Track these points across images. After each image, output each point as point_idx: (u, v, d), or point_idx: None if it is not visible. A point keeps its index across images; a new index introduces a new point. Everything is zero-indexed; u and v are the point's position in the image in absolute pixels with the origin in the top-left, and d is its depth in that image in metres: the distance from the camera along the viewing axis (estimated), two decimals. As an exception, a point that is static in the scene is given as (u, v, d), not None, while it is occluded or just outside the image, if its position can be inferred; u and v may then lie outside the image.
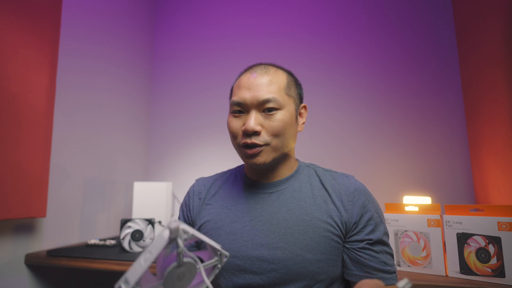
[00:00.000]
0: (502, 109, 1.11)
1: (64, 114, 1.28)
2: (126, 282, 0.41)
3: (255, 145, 0.63)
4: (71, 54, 1.32)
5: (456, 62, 1.48)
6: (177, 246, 0.41)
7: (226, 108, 1.75)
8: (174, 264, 0.42)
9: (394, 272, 0.63)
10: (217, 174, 0.80)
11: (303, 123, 0.72)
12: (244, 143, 0.64)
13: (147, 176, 1.82)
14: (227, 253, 0.47)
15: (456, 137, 1.44)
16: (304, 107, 0.73)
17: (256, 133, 0.63)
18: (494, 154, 1.17)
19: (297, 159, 0.75)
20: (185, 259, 0.42)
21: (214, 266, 0.48)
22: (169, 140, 1.82)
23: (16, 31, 1.02)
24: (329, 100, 1.61)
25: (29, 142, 1.04)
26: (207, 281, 0.45)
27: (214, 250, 0.47)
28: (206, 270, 0.48)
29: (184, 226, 0.41)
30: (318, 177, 0.71)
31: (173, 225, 0.42)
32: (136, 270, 0.42)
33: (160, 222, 1.37)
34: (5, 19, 0.98)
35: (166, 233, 0.43)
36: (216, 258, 0.47)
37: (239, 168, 0.78)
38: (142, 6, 1.82)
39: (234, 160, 1.71)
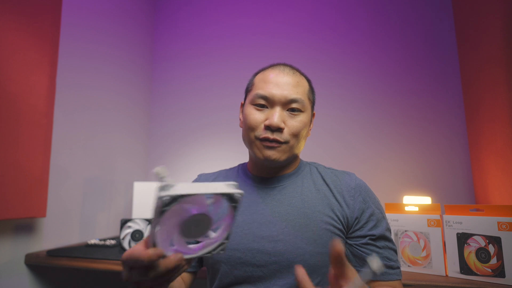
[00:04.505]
0: (502, 109, 1.11)
1: (64, 114, 1.28)
2: (172, 188, 0.40)
3: (275, 141, 0.64)
4: (71, 54, 1.32)
5: (456, 62, 1.48)
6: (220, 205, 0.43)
7: (226, 108, 1.75)
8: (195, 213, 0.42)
9: (398, 268, 0.64)
10: (219, 171, 0.81)
11: (311, 128, 0.74)
12: (265, 137, 0.64)
13: (147, 176, 1.82)
14: (240, 191, 0.45)
15: (456, 137, 1.44)
16: (313, 114, 0.74)
17: (279, 130, 0.64)
18: (494, 154, 1.17)
19: (299, 157, 0.76)
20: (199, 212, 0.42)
21: (234, 208, 0.46)
22: (169, 140, 1.82)
23: (16, 31, 1.02)
24: (329, 100, 1.61)
25: (29, 142, 1.04)
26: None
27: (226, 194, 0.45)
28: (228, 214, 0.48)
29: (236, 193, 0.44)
30: (320, 173, 0.72)
31: (238, 191, 0.44)
32: (187, 187, 0.41)
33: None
34: (5, 19, 0.98)
35: (229, 189, 0.44)
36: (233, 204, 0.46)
37: (241, 165, 0.79)
38: (142, 6, 1.82)
39: (234, 160, 1.71)
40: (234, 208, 0.46)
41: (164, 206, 0.39)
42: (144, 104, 1.81)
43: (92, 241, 1.24)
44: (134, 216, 1.45)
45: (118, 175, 1.58)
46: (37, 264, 1.09)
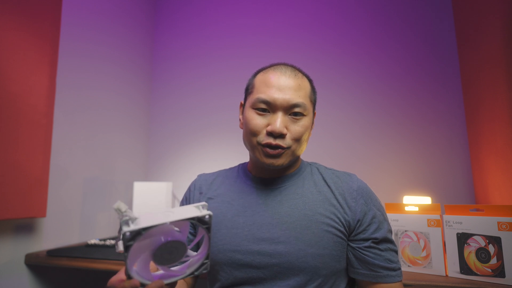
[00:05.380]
0: (502, 109, 1.11)
1: (64, 114, 1.28)
2: (135, 222, 0.41)
3: (278, 147, 0.63)
4: (71, 54, 1.32)
5: (456, 62, 1.48)
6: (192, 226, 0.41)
7: (226, 108, 1.75)
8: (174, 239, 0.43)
9: (399, 269, 0.64)
10: (219, 171, 0.80)
11: (312, 128, 0.74)
12: (268, 143, 0.63)
13: (147, 176, 1.82)
14: (208, 213, 0.47)
15: (456, 137, 1.44)
16: (314, 113, 0.74)
17: (282, 136, 0.63)
18: (494, 154, 1.17)
19: (300, 158, 0.76)
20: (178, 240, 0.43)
21: (207, 229, 0.47)
22: (169, 140, 1.82)
23: (16, 31, 1.02)
24: (329, 100, 1.61)
25: (29, 142, 1.04)
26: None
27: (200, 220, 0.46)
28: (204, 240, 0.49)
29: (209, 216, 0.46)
30: (321, 174, 0.71)
31: (207, 213, 0.45)
32: (150, 219, 0.42)
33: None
34: (5, 19, 0.98)
35: (197, 212, 0.45)
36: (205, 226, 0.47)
37: (242, 165, 0.78)
38: (142, 6, 1.82)
39: (234, 160, 1.71)
40: (207, 229, 0.47)
41: (128, 241, 0.40)
42: (144, 104, 1.81)
43: (92, 241, 1.24)
44: (134, 216, 1.45)
45: (118, 175, 1.58)
46: (37, 264, 1.09)
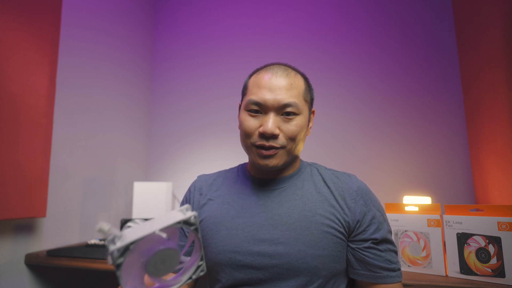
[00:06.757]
0: (502, 109, 1.11)
1: (64, 114, 1.28)
2: (121, 239, 0.40)
3: (271, 147, 0.63)
4: (71, 54, 1.32)
5: (456, 62, 1.48)
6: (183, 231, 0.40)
7: (226, 108, 1.75)
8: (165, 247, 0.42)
9: (399, 269, 0.64)
10: (219, 172, 0.80)
11: (311, 127, 0.73)
12: (261, 144, 0.64)
13: (147, 176, 1.82)
14: (193, 213, 0.46)
15: (456, 137, 1.44)
16: (313, 111, 0.73)
17: (274, 136, 0.63)
18: (494, 154, 1.17)
19: (299, 158, 0.76)
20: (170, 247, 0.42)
21: (195, 230, 0.47)
22: (169, 140, 1.82)
23: (16, 31, 1.02)
24: (329, 100, 1.61)
25: (29, 142, 1.04)
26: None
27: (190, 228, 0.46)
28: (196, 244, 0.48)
29: (194, 218, 0.44)
30: (321, 175, 0.71)
31: (192, 214, 0.44)
32: (135, 232, 0.41)
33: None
34: (5, 19, 0.98)
35: (182, 216, 0.44)
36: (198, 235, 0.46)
37: (241, 166, 0.78)
38: (142, 6, 1.82)
39: (234, 160, 1.71)
40: (195, 230, 0.46)
41: (118, 258, 0.39)
42: (144, 104, 1.81)
43: (92, 241, 1.24)
44: (134, 216, 1.45)
45: (118, 175, 1.58)
46: (37, 264, 1.09)
